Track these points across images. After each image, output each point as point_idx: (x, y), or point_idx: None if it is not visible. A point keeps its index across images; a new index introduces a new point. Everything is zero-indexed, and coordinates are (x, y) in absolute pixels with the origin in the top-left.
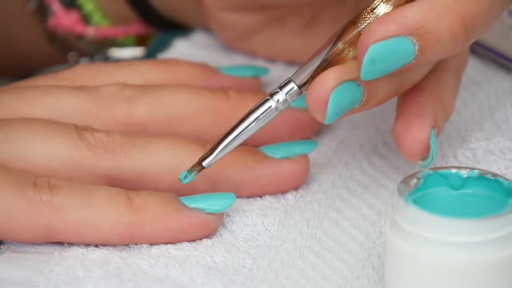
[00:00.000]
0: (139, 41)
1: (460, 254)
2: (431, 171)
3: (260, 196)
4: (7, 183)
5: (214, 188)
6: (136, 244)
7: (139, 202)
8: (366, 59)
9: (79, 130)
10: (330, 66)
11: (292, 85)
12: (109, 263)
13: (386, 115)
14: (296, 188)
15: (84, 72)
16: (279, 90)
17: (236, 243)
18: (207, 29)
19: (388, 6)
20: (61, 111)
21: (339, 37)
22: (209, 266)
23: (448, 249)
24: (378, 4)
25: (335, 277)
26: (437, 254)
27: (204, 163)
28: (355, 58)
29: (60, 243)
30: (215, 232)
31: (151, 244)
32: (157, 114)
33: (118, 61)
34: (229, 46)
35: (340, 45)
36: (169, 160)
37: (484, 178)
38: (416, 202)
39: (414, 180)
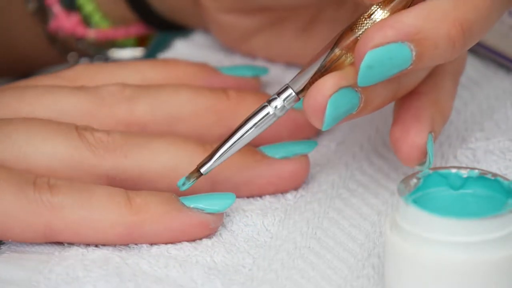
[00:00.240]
0: (139, 41)
1: (460, 254)
2: (431, 171)
3: (260, 196)
4: (7, 183)
5: (214, 188)
6: (136, 244)
7: (139, 202)
8: (363, 65)
9: (79, 130)
10: (328, 72)
11: (290, 91)
12: (109, 263)
13: (386, 116)
14: (296, 188)
15: (84, 72)
16: (277, 96)
17: (236, 243)
18: (206, 30)
19: (385, 12)
20: (61, 111)
21: (336, 43)
22: (209, 266)
23: (448, 249)
24: (375, 10)
25: (335, 277)
26: (437, 254)
27: (202, 170)
28: (352, 64)
29: (60, 243)
30: (215, 232)
31: (151, 244)
32: (157, 114)
33: (118, 61)
34: (228, 47)
35: (337, 51)
36: (169, 160)
37: (484, 178)
38: (416, 202)
39: (414, 180)
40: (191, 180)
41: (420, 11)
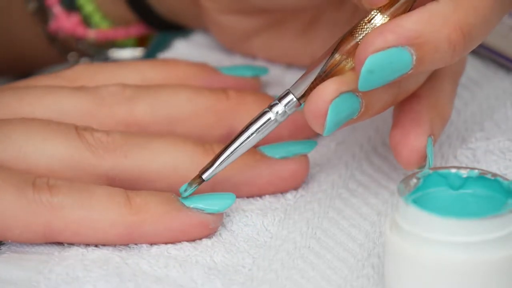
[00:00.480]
0: (139, 42)
1: (460, 254)
2: (431, 171)
3: (260, 196)
4: (7, 183)
5: (213, 188)
6: (136, 244)
7: (139, 202)
8: (364, 70)
9: (79, 130)
10: (328, 77)
11: (291, 96)
12: (109, 263)
13: (385, 116)
14: (296, 188)
15: (84, 72)
16: (278, 102)
17: (236, 243)
18: (206, 30)
19: (385, 16)
20: (61, 111)
21: (336, 48)
22: (209, 266)
23: (448, 249)
24: (375, 15)
25: (335, 277)
26: (437, 254)
27: (204, 176)
28: (353, 69)
29: (60, 243)
30: (215, 232)
31: (151, 244)
32: (157, 114)
33: (118, 61)
34: (228, 48)
35: (337, 56)
36: (168, 160)
37: (484, 178)
38: (416, 202)
39: (414, 180)
40: (193, 186)
41: (420, 15)
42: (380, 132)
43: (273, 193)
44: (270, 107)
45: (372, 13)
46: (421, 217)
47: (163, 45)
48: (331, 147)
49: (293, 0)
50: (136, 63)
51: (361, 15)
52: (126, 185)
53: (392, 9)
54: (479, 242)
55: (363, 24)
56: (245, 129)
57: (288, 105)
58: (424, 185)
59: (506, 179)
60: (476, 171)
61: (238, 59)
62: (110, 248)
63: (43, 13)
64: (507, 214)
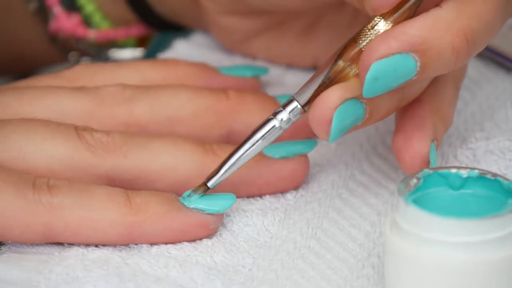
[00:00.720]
0: (140, 42)
1: (460, 254)
2: (431, 171)
3: (260, 196)
4: (6, 183)
5: (213, 188)
6: (136, 244)
7: (139, 201)
8: (368, 76)
9: (79, 130)
10: (332, 84)
11: (295, 103)
12: (109, 263)
13: None
14: (296, 188)
15: (84, 72)
16: (282, 109)
17: (236, 243)
18: (206, 31)
19: (388, 23)
20: (61, 111)
21: (340, 55)
22: (209, 266)
23: (448, 249)
24: (378, 21)
25: (335, 277)
26: (437, 254)
27: (210, 183)
28: (357, 75)
29: (60, 243)
30: (215, 232)
31: (151, 244)
32: (157, 114)
33: (118, 61)
34: (228, 49)
35: (341, 63)
36: (168, 160)
37: (484, 178)
38: (416, 202)
39: (414, 180)
40: (198, 193)
41: (424, 21)
42: (380, 132)
43: (273, 193)
44: (275, 114)
45: (376, 19)
46: (421, 217)
47: (163, 45)
48: (331, 147)
49: (294, 3)
50: (136, 63)
51: (362, 19)
52: (126, 185)
53: (395, 15)
54: (479, 242)
55: (367, 30)
56: (250, 137)
57: (292, 112)
58: (424, 185)
59: (506, 179)
60: (476, 171)
61: (238, 59)
62: (110, 248)
63: (43, 13)
64: (507, 214)
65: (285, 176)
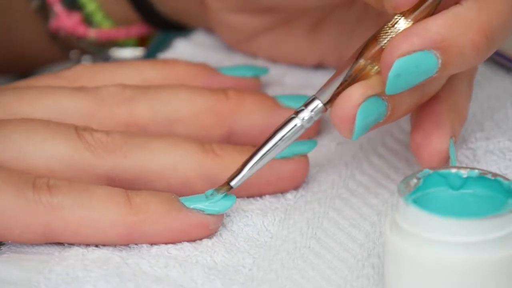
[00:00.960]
0: (140, 41)
1: (460, 254)
2: (431, 171)
3: (260, 196)
4: (6, 183)
5: (213, 187)
6: (136, 244)
7: (139, 201)
8: (391, 74)
9: (79, 130)
10: (354, 83)
11: (316, 102)
12: (109, 263)
13: None
14: (296, 188)
15: (84, 72)
16: (304, 108)
17: (236, 243)
18: (209, 30)
19: (409, 21)
20: (61, 111)
21: (361, 53)
22: (209, 266)
23: (448, 249)
24: (399, 20)
25: (335, 277)
26: (437, 254)
27: (232, 183)
28: (378, 73)
29: (60, 243)
30: (215, 232)
31: (151, 244)
32: (157, 114)
33: (118, 61)
34: (233, 48)
35: (362, 61)
36: (168, 160)
37: (484, 178)
38: (416, 202)
39: (414, 180)
40: (221, 193)
41: (445, 19)
42: (380, 132)
43: (273, 193)
44: (297, 113)
45: (396, 17)
46: (421, 217)
47: (164, 45)
48: (331, 147)
49: (307, 1)
50: (136, 63)
51: (370, 16)
52: (126, 185)
53: (415, 13)
54: (479, 242)
55: (387, 28)
56: (272, 135)
57: (314, 110)
58: (424, 185)
59: (507, 179)
60: (476, 171)
61: (239, 59)
62: (110, 248)
63: (44, 12)
64: (507, 214)
65: (285, 176)
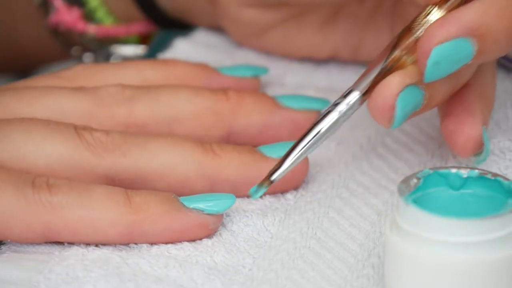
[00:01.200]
0: (142, 39)
1: (460, 254)
2: (431, 171)
3: (260, 196)
4: (6, 183)
5: (213, 186)
6: (136, 244)
7: (139, 201)
8: (430, 61)
9: (78, 129)
10: (390, 74)
11: (354, 94)
12: (109, 263)
13: None
14: (296, 188)
15: (83, 72)
16: (341, 100)
17: (236, 243)
18: (215, 27)
19: (442, 11)
20: (61, 111)
21: (396, 44)
22: (209, 266)
23: (448, 249)
24: (432, 10)
25: (335, 277)
26: (437, 254)
27: (273, 177)
28: (414, 63)
29: (60, 243)
30: (215, 232)
31: (151, 244)
32: (157, 114)
33: (119, 59)
34: (241, 44)
35: (397, 52)
36: (168, 159)
37: (484, 178)
38: (416, 202)
39: (414, 180)
40: (263, 187)
41: (478, 7)
42: (380, 133)
43: (273, 192)
44: (334, 105)
45: (429, 8)
46: (421, 217)
47: (164, 44)
48: (331, 147)
49: None
50: (136, 64)
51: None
52: (126, 184)
53: (448, 3)
54: (479, 242)
55: (421, 19)
56: (311, 128)
57: (351, 103)
58: (424, 185)
59: (507, 179)
60: (477, 171)
61: (239, 59)
62: (110, 248)
63: (46, 7)
64: (507, 214)
65: (285, 175)
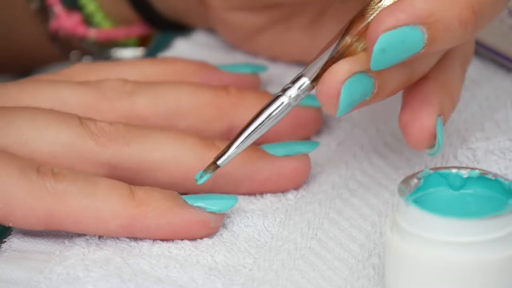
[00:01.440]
0: (141, 41)
1: (461, 254)
2: (431, 171)
3: (261, 196)
4: (11, 166)
5: (215, 182)
6: (137, 244)
7: (142, 195)
8: (376, 48)
9: (82, 119)
10: (341, 59)
11: (303, 80)
12: (110, 263)
13: (386, 116)
14: (296, 188)
15: (82, 70)
16: (291, 85)
17: (237, 243)
18: (209, 29)
19: None
20: (63, 103)
21: (347, 30)
22: (210, 266)
23: (448, 249)
24: None
25: (336, 278)
26: (437, 254)
27: (219, 162)
28: (365, 50)
29: (61, 242)
30: (216, 232)
31: (152, 242)
32: (158, 108)
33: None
34: (234, 46)
35: (348, 38)
36: (170, 150)
37: (484, 178)
38: (416, 202)
39: (415, 180)
40: (208, 173)
41: None
42: (380, 132)
43: (274, 191)
44: (283, 90)
45: None
46: (422, 217)
47: (164, 44)
48: (331, 147)
49: None
50: (135, 61)
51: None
52: (128, 174)
53: None
54: (479, 242)
55: (374, 4)
56: (259, 114)
57: (301, 88)
58: (425, 185)
59: (507, 179)
60: (477, 171)
61: (239, 59)
62: (111, 248)
63: (44, 12)
64: (507, 214)
65: (287, 173)
